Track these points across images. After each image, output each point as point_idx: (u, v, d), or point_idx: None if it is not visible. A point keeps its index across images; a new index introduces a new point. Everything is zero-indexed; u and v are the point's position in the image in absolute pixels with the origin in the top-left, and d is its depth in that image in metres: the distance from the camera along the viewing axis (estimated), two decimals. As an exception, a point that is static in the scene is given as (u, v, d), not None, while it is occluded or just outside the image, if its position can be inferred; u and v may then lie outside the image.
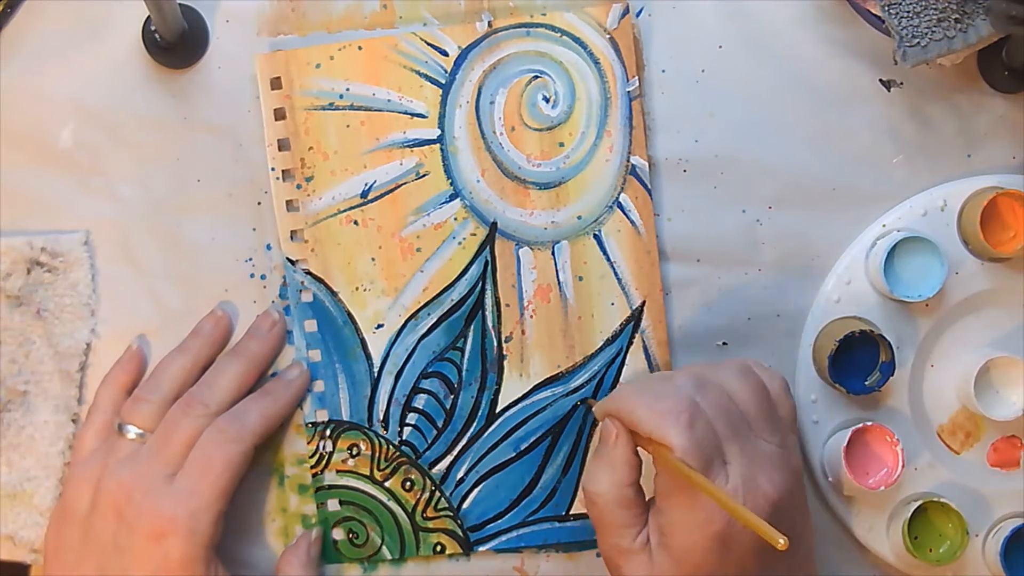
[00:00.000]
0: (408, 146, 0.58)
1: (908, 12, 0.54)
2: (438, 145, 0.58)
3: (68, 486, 0.54)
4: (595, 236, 0.58)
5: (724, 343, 0.59)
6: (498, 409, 0.58)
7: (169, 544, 0.51)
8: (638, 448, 0.51)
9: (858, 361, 0.56)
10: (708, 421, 0.48)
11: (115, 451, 0.53)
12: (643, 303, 0.58)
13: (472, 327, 0.58)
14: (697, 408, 0.48)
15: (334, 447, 0.58)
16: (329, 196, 0.58)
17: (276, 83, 0.57)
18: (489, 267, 0.58)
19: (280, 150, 0.58)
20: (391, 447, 0.58)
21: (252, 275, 0.58)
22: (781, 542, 0.42)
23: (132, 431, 0.54)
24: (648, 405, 0.49)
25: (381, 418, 0.58)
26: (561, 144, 0.58)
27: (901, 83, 0.59)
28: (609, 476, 0.50)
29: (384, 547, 0.58)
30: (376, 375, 0.58)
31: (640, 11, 0.58)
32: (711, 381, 0.50)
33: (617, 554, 0.50)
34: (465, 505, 0.58)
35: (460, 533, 0.58)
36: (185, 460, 0.52)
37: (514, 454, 0.58)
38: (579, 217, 0.58)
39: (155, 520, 0.51)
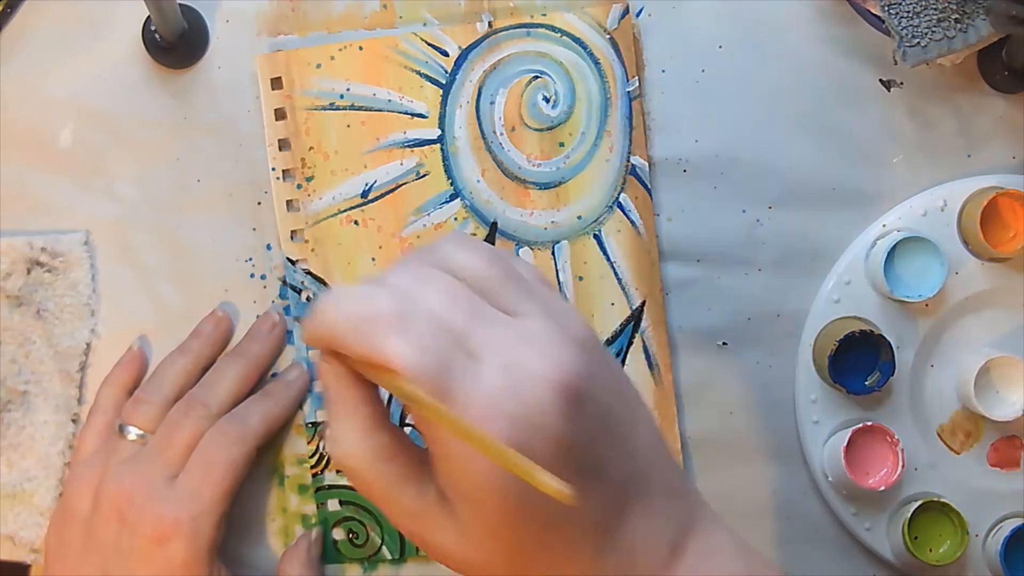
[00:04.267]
0: (408, 146, 0.58)
1: (908, 12, 0.54)
2: (438, 145, 0.58)
3: (69, 488, 0.54)
4: (595, 236, 0.58)
5: (724, 343, 0.59)
6: (498, 409, 0.58)
7: (172, 547, 0.50)
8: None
9: (858, 361, 0.56)
10: (431, 314, 0.36)
11: (116, 452, 0.53)
12: (643, 303, 0.58)
13: (472, 327, 0.58)
14: (412, 302, 0.36)
15: (334, 447, 0.57)
16: (329, 196, 0.58)
17: (277, 83, 0.57)
18: (489, 267, 0.58)
19: (280, 150, 0.58)
20: (391, 447, 0.57)
21: (252, 275, 0.58)
22: (566, 492, 0.32)
23: (133, 432, 0.54)
24: (348, 317, 0.36)
25: (381, 418, 0.57)
26: (561, 144, 0.58)
27: (901, 83, 0.59)
28: (349, 430, 0.38)
29: (384, 547, 0.58)
30: (376, 375, 0.58)
31: (640, 11, 0.58)
32: (426, 263, 0.38)
33: (411, 522, 0.38)
34: (465, 505, 0.58)
35: (460, 533, 0.58)
36: (186, 462, 0.52)
37: (514, 454, 0.58)
38: (579, 217, 0.58)
39: (157, 523, 0.51)
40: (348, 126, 0.58)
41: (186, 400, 0.54)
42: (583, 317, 0.40)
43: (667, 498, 0.40)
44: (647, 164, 0.58)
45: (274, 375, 0.58)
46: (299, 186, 0.58)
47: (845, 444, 0.55)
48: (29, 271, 0.57)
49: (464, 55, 0.58)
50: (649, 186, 0.58)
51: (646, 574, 0.39)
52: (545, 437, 0.36)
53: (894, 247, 0.56)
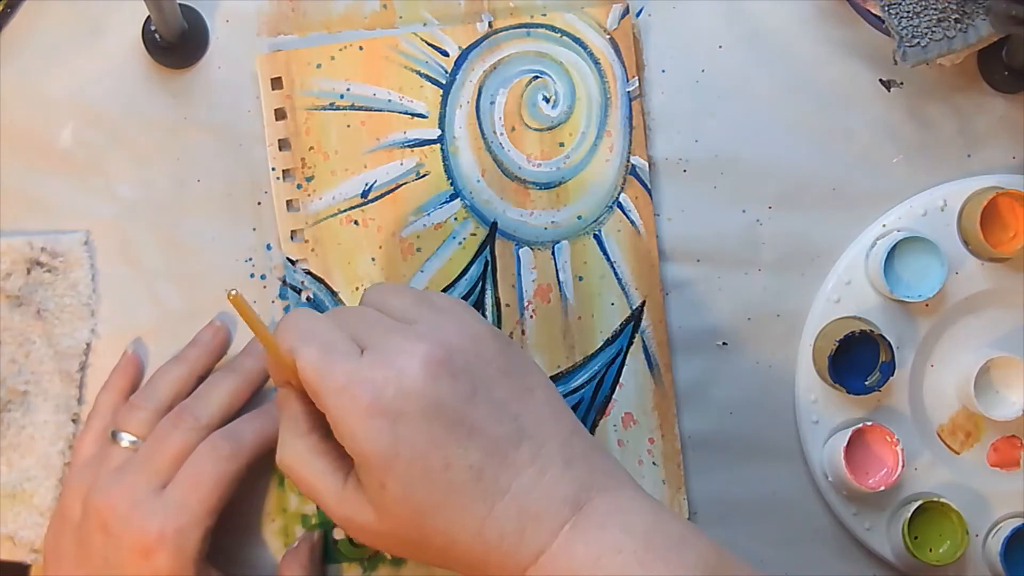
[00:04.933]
0: (408, 146, 0.58)
1: (908, 12, 0.54)
2: (438, 145, 0.58)
3: (64, 493, 0.54)
4: (595, 236, 0.58)
5: (724, 343, 0.59)
6: (498, 409, 0.58)
7: (157, 560, 0.50)
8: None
9: (858, 361, 0.56)
10: (340, 328, 0.46)
11: (107, 459, 0.53)
12: (643, 303, 0.58)
13: (472, 327, 0.58)
14: (331, 324, 0.46)
15: (334, 447, 0.58)
16: (329, 196, 0.58)
17: (277, 83, 0.57)
18: (489, 267, 0.58)
19: (280, 150, 0.58)
20: (391, 447, 0.58)
21: (252, 275, 0.58)
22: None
23: (126, 439, 0.53)
24: (283, 336, 0.46)
25: (381, 418, 0.58)
26: (561, 144, 0.58)
27: (901, 83, 0.59)
28: (287, 435, 0.47)
29: (384, 547, 0.58)
30: (376, 375, 0.58)
31: (640, 11, 0.58)
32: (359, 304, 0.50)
33: (337, 507, 0.46)
34: (465, 505, 0.58)
35: (460, 533, 0.58)
36: (173, 473, 0.52)
37: (514, 454, 0.58)
38: (579, 217, 0.58)
39: (142, 536, 0.50)
40: (348, 126, 0.58)
41: (177, 411, 0.53)
42: (485, 323, 0.48)
43: (566, 461, 0.46)
44: (647, 164, 0.58)
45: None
46: (299, 186, 0.58)
47: (845, 444, 0.55)
48: (29, 271, 0.57)
49: (464, 55, 0.58)
50: (649, 186, 0.58)
51: (545, 527, 0.44)
52: (408, 395, 0.44)
53: (894, 247, 0.56)
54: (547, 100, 0.58)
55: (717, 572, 0.44)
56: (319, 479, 0.46)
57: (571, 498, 0.45)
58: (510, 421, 0.45)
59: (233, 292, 0.45)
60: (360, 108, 0.58)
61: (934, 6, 0.54)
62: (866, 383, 0.56)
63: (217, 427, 0.54)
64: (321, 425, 0.47)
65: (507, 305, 0.58)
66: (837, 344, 0.55)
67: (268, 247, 0.58)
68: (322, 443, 0.47)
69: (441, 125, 0.58)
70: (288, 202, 0.58)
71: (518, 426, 0.46)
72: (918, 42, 0.54)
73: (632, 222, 0.58)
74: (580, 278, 0.58)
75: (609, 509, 0.45)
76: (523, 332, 0.58)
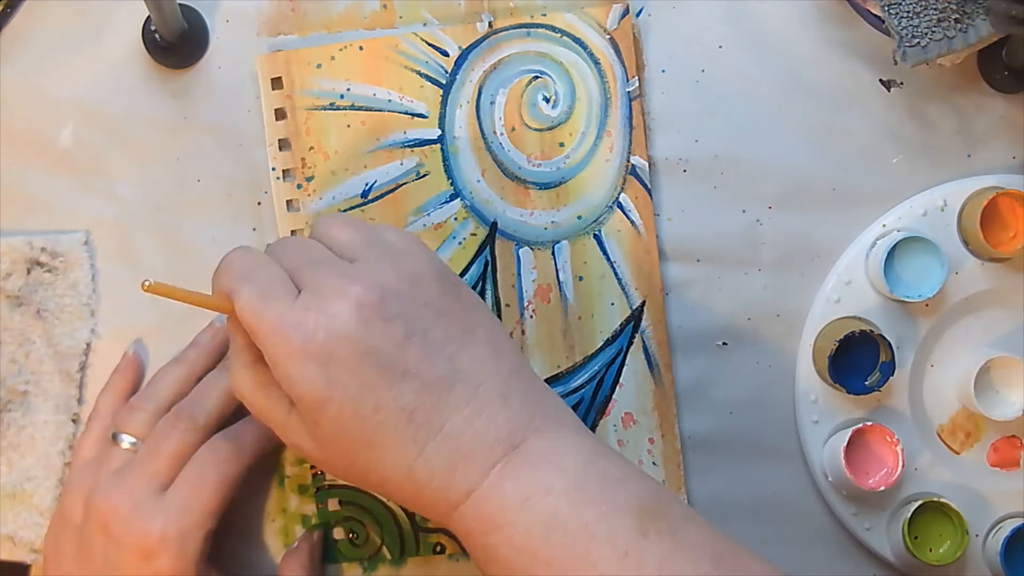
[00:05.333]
0: (408, 146, 0.58)
1: (908, 12, 0.54)
2: (438, 145, 0.58)
3: (64, 495, 0.54)
4: (595, 236, 0.58)
5: (724, 343, 0.59)
6: (498, 409, 0.58)
7: (159, 562, 0.50)
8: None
9: (858, 361, 0.56)
10: (272, 256, 0.47)
11: (107, 461, 0.53)
12: (643, 303, 0.58)
13: (472, 327, 0.58)
14: (269, 259, 0.47)
15: (334, 447, 0.58)
16: (329, 196, 0.58)
17: (277, 83, 0.57)
18: (489, 267, 0.58)
19: (281, 150, 0.58)
20: (391, 447, 0.58)
21: (252, 275, 0.58)
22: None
23: (126, 440, 0.53)
24: (224, 273, 0.47)
25: (381, 418, 0.57)
26: (561, 144, 0.58)
27: (901, 83, 0.59)
28: (237, 366, 0.48)
29: (384, 547, 0.58)
30: (376, 375, 0.58)
31: (640, 11, 0.58)
32: (307, 235, 0.50)
33: (283, 432, 0.47)
34: (465, 505, 0.58)
35: (460, 533, 0.58)
36: (173, 474, 0.52)
37: (514, 454, 0.58)
38: (579, 217, 0.58)
39: (144, 538, 0.50)
40: (348, 126, 0.58)
41: (174, 413, 0.53)
42: (429, 261, 0.48)
43: (502, 402, 0.46)
44: (647, 164, 0.58)
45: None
46: (299, 186, 0.58)
47: (845, 444, 0.55)
48: (29, 271, 0.57)
49: (464, 55, 0.58)
50: (649, 186, 0.58)
51: (475, 466, 0.45)
52: (340, 339, 0.44)
53: (894, 247, 0.56)
54: (547, 100, 0.58)
55: (652, 511, 0.44)
56: (266, 407, 0.47)
57: (504, 438, 0.45)
58: (445, 363, 0.45)
59: (147, 283, 0.45)
60: (360, 108, 0.58)
61: (934, 6, 0.54)
62: (866, 383, 0.56)
63: (215, 427, 0.53)
64: (262, 356, 0.47)
65: (507, 305, 0.58)
66: (837, 344, 0.55)
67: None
68: (266, 372, 0.47)
69: (441, 125, 0.58)
70: (288, 202, 0.58)
71: (453, 368, 0.46)
72: (918, 42, 0.54)
73: (632, 222, 0.58)
74: (580, 278, 0.58)
75: (545, 449, 0.45)
76: (523, 332, 0.58)
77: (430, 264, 0.48)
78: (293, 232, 0.58)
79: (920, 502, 0.56)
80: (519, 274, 0.58)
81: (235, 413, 0.55)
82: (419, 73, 0.58)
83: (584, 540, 0.43)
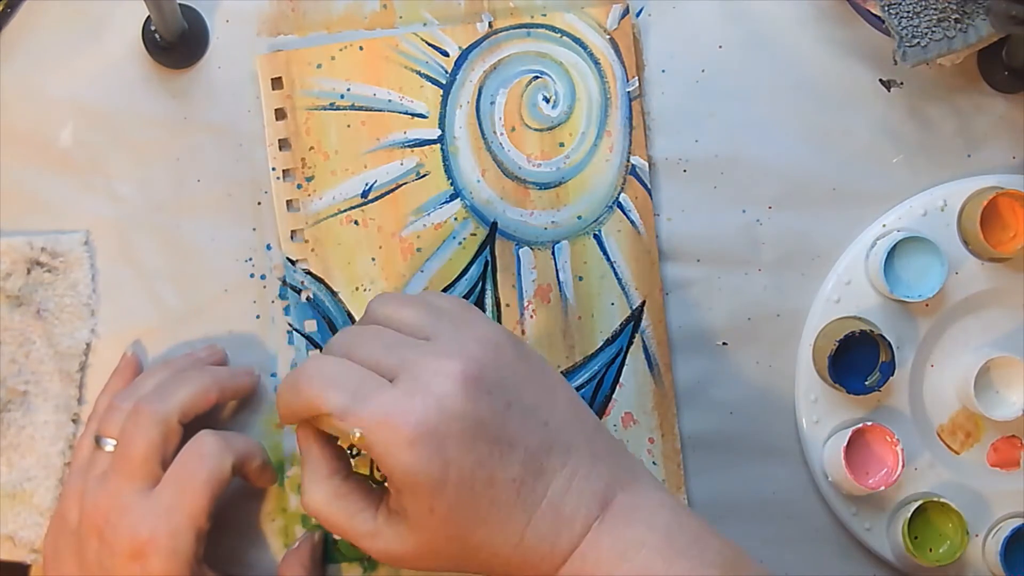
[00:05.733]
0: (408, 146, 0.58)
1: (908, 12, 0.54)
2: (438, 145, 0.58)
3: (62, 497, 0.53)
4: (595, 236, 0.58)
5: (724, 343, 0.59)
6: (498, 409, 0.58)
7: (150, 564, 0.49)
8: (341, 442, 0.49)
9: (858, 361, 0.56)
10: (358, 361, 0.46)
11: (94, 465, 0.52)
12: (643, 303, 0.58)
13: (472, 327, 0.58)
14: (345, 357, 0.46)
15: (334, 447, 0.58)
16: (329, 196, 0.58)
17: (277, 83, 0.57)
18: (489, 267, 0.58)
19: (281, 150, 0.58)
20: (391, 447, 0.58)
21: (252, 275, 0.58)
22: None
23: (109, 444, 0.52)
24: (298, 394, 0.46)
25: (381, 418, 0.57)
26: (561, 144, 0.58)
27: (901, 83, 0.59)
28: (311, 480, 0.48)
29: (384, 547, 0.58)
30: (376, 375, 0.58)
31: (640, 11, 0.58)
32: (362, 322, 0.49)
33: (370, 542, 0.47)
34: (465, 505, 0.58)
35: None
36: (151, 471, 0.51)
37: (514, 454, 0.58)
38: (579, 217, 0.58)
39: (133, 540, 0.49)
40: (348, 126, 0.58)
41: (134, 407, 0.52)
42: (496, 326, 0.48)
43: (592, 461, 0.47)
44: (647, 164, 0.58)
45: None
46: (299, 186, 0.58)
47: (845, 444, 0.55)
48: (29, 271, 0.57)
49: (464, 55, 0.58)
50: (649, 186, 0.58)
51: (576, 527, 0.45)
52: (452, 418, 0.44)
53: (894, 247, 0.56)
54: (547, 100, 0.58)
55: (736, 570, 0.45)
56: (349, 521, 0.47)
57: (599, 496, 0.46)
58: (541, 428, 0.46)
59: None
60: (360, 108, 0.58)
61: (934, 6, 0.54)
62: (866, 383, 0.56)
63: (188, 422, 0.52)
64: (342, 467, 0.48)
65: (507, 305, 0.58)
66: (837, 344, 0.55)
67: (268, 247, 0.58)
68: (345, 484, 0.48)
69: (441, 125, 0.58)
70: (288, 202, 0.58)
71: (548, 431, 0.46)
72: (918, 42, 0.54)
73: (632, 222, 0.58)
74: (580, 278, 0.58)
75: (633, 505, 0.46)
76: (523, 332, 0.58)
77: (497, 327, 0.48)
78: (293, 232, 0.58)
79: (920, 502, 0.56)
80: (519, 274, 0.58)
81: (211, 415, 0.55)
82: (419, 73, 0.58)
83: None
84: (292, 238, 0.58)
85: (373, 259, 0.58)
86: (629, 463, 0.48)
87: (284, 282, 0.58)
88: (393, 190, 0.58)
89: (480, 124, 0.58)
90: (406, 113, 0.58)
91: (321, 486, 0.48)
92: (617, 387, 0.58)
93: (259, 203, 0.58)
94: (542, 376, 0.48)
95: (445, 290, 0.58)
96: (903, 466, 0.55)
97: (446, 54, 0.58)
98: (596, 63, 0.58)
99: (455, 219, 0.58)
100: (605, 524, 0.45)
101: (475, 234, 0.58)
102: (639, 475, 0.48)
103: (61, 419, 0.57)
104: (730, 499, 0.58)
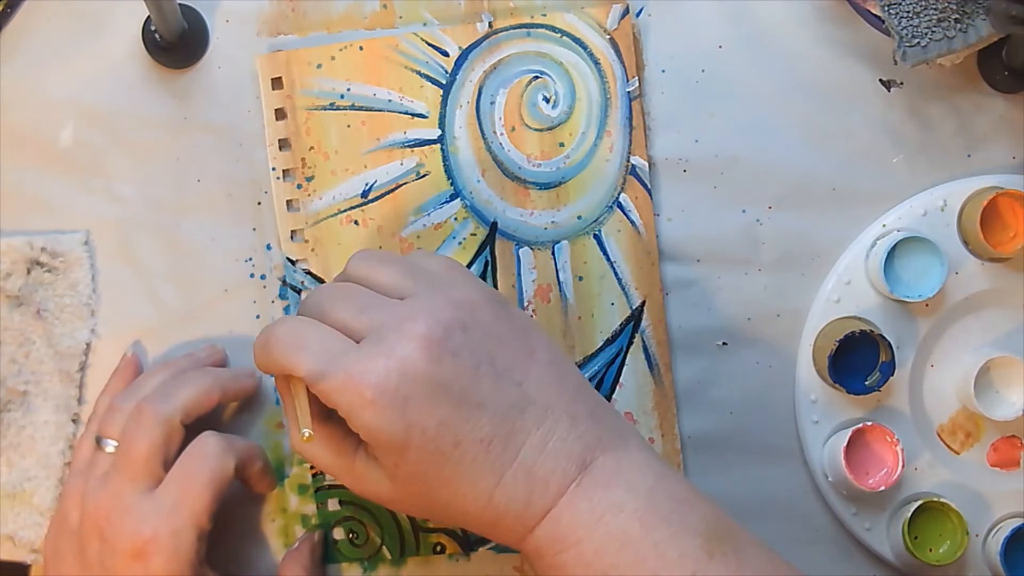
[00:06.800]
0: (408, 146, 0.58)
1: (908, 12, 0.54)
2: (438, 145, 0.58)
3: (63, 498, 0.53)
4: (595, 236, 0.58)
5: (724, 343, 0.59)
6: (498, 409, 0.58)
7: (152, 564, 0.49)
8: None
9: (858, 361, 0.56)
10: (330, 322, 0.46)
11: (95, 466, 0.52)
12: (643, 303, 0.58)
13: (472, 327, 0.58)
14: (319, 317, 0.46)
15: (334, 447, 0.58)
16: (330, 196, 0.58)
17: (277, 83, 0.57)
18: (489, 267, 0.58)
19: (281, 150, 0.58)
20: (391, 447, 0.58)
21: (252, 275, 0.58)
22: (305, 434, 0.46)
23: (110, 444, 0.52)
24: (273, 351, 0.46)
25: (381, 418, 0.57)
26: (561, 144, 0.58)
27: (901, 83, 0.59)
28: (298, 426, 0.48)
29: (384, 547, 0.58)
30: (376, 375, 0.57)
31: (640, 11, 0.58)
32: (338, 279, 0.49)
33: (354, 483, 0.48)
34: (465, 505, 0.58)
35: (460, 533, 0.58)
36: (153, 472, 0.51)
37: (514, 454, 0.58)
38: (579, 217, 0.58)
39: (135, 540, 0.49)
40: (348, 126, 0.58)
41: (136, 407, 0.52)
42: (479, 287, 0.48)
43: (571, 422, 0.46)
44: (647, 164, 0.58)
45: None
46: (299, 186, 0.58)
47: (845, 444, 0.55)
48: (29, 271, 0.57)
49: (464, 55, 0.58)
50: (649, 186, 0.58)
51: (551, 488, 0.45)
52: (413, 379, 0.44)
53: (894, 247, 0.56)
54: (547, 100, 0.58)
55: (718, 533, 0.45)
56: (335, 462, 0.48)
57: (577, 458, 0.46)
58: (514, 389, 0.46)
59: (305, 435, 0.47)
60: (360, 108, 0.58)
61: (934, 6, 0.54)
62: (866, 383, 0.56)
63: (190, 422, 0.52)
64: (324, 409, 0.47)
65: (507, 305, 0.58)
66: (837, 344, 0.55)
67: (268, 247, 0.58)
68: (324, 428, 0.48)
69: (441, 125, 0.58)
70: (288, 202, 0.58)
71: (522, 392, 0.46)
72: (918, 42, 0.54)
73: (632, 222, 0.58)
74: (580, 278, 0.58)
75: (614, 468, 0.46)
76: (523, 332, 0.58)
77: (479, 289, 0.48)
78: (293, 232, 0.58)
79: (920, 502, 0.56)
80: (519, 274, 0.58)
81: (212, 416, 0.55)
82: (419, 73, 0.58)
83: (653, 559, 0.44)
84: (292, 238, 0.58)
85: (373, 259, 0.58)
86: (617, 426, 0.48)
87: (284, 282, 0.58)
88: (393, 190, 0.58)
89: (480, 124, 0.58)
90: (406, 113, 0.58)
91: (306, 429, 0.48)
92: (617, 387, 0.58)
93: (259, 203, 0.58)
94: (524, 337, 0.47)
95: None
96: (903, 466, 0.55)
97: (446, 54, 0.58)
98: (596, 63, 0.58)
99: (455, 219, 0.58)
100: (582, 486, 0.45)
101: (475, 234, 0.58)
102: (627, 438, 0.47)
103: (61, 419, 0.57)
104: (730, 499, 0.58)
